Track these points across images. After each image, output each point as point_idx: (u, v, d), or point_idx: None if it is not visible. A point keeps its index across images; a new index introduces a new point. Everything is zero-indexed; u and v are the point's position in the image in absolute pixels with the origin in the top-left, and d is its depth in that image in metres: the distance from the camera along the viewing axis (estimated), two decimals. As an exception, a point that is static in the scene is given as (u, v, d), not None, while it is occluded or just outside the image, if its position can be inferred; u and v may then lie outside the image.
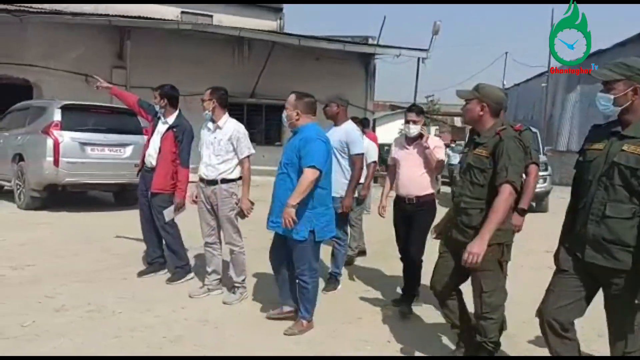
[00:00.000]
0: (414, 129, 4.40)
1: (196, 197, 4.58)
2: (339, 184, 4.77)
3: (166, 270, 5.17)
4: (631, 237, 2.44)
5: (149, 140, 5.01)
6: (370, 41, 16.94)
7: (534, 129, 11.81)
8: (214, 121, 4.45)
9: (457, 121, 30.54)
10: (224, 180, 4.37)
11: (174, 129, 4.88)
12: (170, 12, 19.28)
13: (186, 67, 15.26)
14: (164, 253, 5.18)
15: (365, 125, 9.41)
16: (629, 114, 2.51)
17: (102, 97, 14.64)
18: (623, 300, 2.50)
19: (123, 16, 13.78)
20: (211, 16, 20.30)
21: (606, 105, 2.56)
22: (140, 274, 5.07)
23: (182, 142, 4.86)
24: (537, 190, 10.15)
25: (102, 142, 8.39)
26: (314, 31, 17.88)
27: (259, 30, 14.81)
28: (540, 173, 10.45)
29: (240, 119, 17.17)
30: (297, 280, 3.91)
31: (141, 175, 5.03)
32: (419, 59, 15.01)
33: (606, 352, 2.78)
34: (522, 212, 3.61)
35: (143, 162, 5.05)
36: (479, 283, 3.10)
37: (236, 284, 4.46)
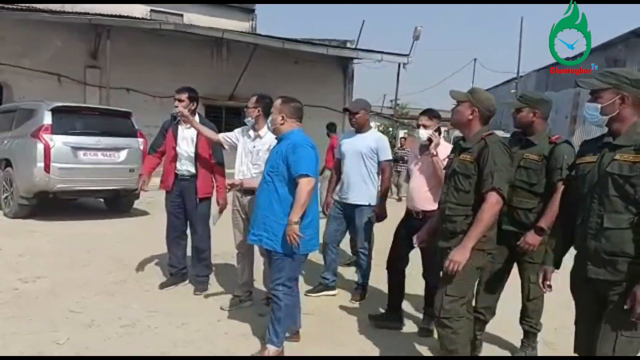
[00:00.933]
0: (424, 134, 4.06)
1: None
2: (368, 192, 4.77)
3: (187, 281, 5.04)
4: (632, 247, 2.35)
5: (173, 149, 4.80)
6: (348, 45, 16.98)
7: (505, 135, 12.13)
8: (254, 129, 4.34)
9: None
10: None
11: None
12: (139, 10, 18.87)
13: (162, 68, 14.97)
14: (186, 264, 5.05)
15: (331, 130, 9.51)
16: (617, 123, 2.46)
17: (74, 96, 14.33)
18: (619, 312, 2.36)
19: (102, 15, 13.37)
20: (181, 15, 19.99)
21: (593, 115, 2.51)
22: (163, 285, 4.92)
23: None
24: None
25: (95, 146, 8.01)
26: (286, 33, 17.85)
27: (241, 32, 14.68)
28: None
29: (218, 122, 16.89)
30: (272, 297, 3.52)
31: (175, 184, 4.81)
32: (399, 64, 15.15)
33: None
34: (540, 232, 3.35)
35: (175, 172, 4.80)
36: (444, 284, 2.99)
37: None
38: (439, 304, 2.97)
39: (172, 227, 4.94)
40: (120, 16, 13.62)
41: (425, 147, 4.09)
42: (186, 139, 4.81)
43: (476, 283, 3.27)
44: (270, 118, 3.74)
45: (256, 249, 4.42)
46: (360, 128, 4.87)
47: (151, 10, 19.61)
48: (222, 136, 4.59)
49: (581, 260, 2.53)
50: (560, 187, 3.25)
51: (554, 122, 20.21)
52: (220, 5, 20.19)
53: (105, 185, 8.24)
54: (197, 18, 18.88)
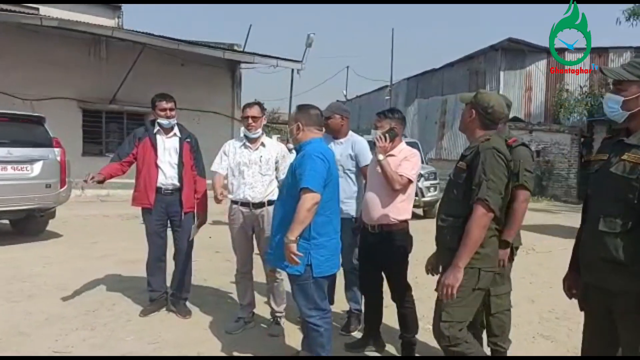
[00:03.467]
0: (373, 134, 3.62)
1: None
2: (351, 205, 4.21)
3: (166, 306, 4.62)
4: (627, 255, 2.13)
5: (154, 162, 4.38)
6: (235, 48, 16.68)
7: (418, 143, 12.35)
8: (255, 139, 4.12)
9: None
10: (270, 202, 4.01)
11: (188, 140, 4.52)
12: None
13: (32, 68, 13.42)
14: (166, 287, 4.65)
15: None
16: (635, 120, 2.22)
17: None
18: (628, 328, 2.17)
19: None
20: (37, 8, 18.09)
21: (613, 108, 2.26)
22: (145, 312, 4.47)
23: (197, 151, 4.58)
24: (428, 198, 11.40)
25: (3, 159, 6.81)
26: (155, 32, 16.80)
27: (130, 30, 13.64)
28: (432, 182, 11.60)
29: (98, 128, 15.77)
30: (307, 325, 3.20)
31: (157, 199, 4.37)
32: (292, 70, 15.27)
33: None
34: (505, 245, 3.04)
35: (157, 187, 4.37)
36: (439, 309, 2.73)
37: (278, 314, 4.21)
38: (437, 332, 2.75)
39: (156, 248, 4.51)
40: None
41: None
42: (169, 150, 4.44)
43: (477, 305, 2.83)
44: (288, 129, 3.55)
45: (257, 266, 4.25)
46: (336, 134, 4.28)
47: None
48: (222, 170, 4.18)
49: (582, 265, 2.38)
50: (520, 194, 3.12)
51: (425, 128, 21.87)
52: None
53: (16, 205, 6.97)
54: (57, 13, 17.16)
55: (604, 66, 2.58)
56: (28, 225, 7.73)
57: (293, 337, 4.05)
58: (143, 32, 13.29)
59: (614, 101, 2.26)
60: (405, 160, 3.59)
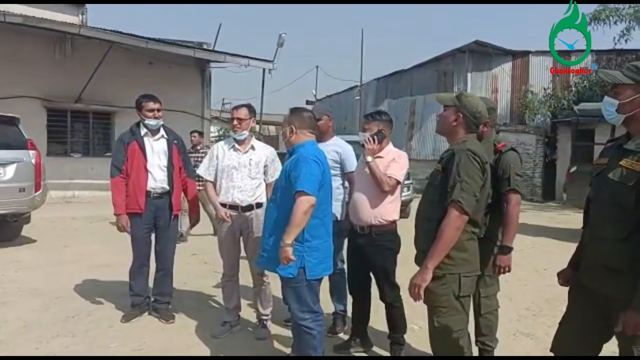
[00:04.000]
0: (361, 137, 3.65)
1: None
2: (333, 205, 4.07)
3: (147, 310, 4.55)
4: (624, 262, 2.13)
5: (144, 166, 4.28)
6: (205, 47, 16.51)
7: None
8: (244, 142, 4.10)
9: (272, 130, 31.29)
10: (259, 205, 4.05)
11: (176, 142, 4.47)
12: None
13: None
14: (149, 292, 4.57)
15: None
16: (633, 124, 2.22)
17: None
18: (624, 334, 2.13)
19: None
20: (-8, 3, 17.48)
21: (610, 111, 2.26)
22: (127, 318, 4.37)
23: (185, 152, 4.57)
24: (402, 198, 11.49)
25: None
26: (119, 30, 16.26)
27: (98, 28, 13.32)
28: (405, 182, 11.72)
29: (63, 127, 15.46)
30: (299, 328, 3.16)
31: (147, 204, 4.28)
32: (264, 69, 15.21)
33: None
34: (507, 250, 3.19)
35: (147, 191, 4.29)
36: (430, 320, 2.70)
37: (264, 317, 4.19)
38: (432, 344, 2.78)
39: (141, 253, 4.41)
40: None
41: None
42: (158, 153, 4.36)
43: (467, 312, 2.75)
44: (281, 132, 3.53)
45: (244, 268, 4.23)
46: (323, 136, 4.13)
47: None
48: (209, 176, 4.16)
49: (582, 267, 2.41)
50: (512, 198, 3.17)
51: (394, 128, 22.05)
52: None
53: None
54: (15, 8, 16.66)
55: (602, 69, 2.55)
56: (1, 230, 7.33)
57: (280, 340, 4.04)
58: (111, 30, 13.00)
59: (610, 104, 2.26)
60: (394, 161, 3.62)
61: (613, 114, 2.25)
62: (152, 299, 4.55)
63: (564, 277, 2.59)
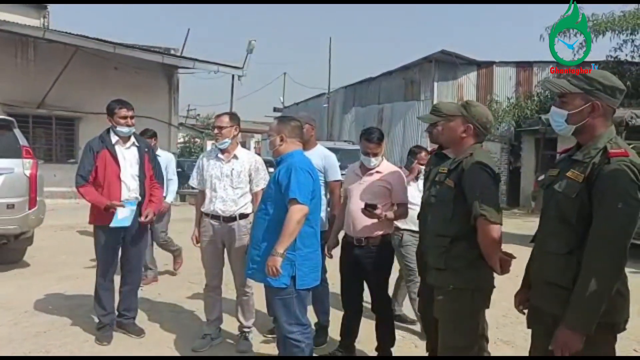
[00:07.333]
0: (375, 162, 3.72)
1: (197, 237, 4.09)
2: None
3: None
4: (565, 277, 2.04)
5: (117, 175, 4.12)
6: (172, 52, 16.31)
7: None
8: (227, 151, 4.02)
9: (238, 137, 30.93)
10: (243, 216, 3.98)
11: (147, 150, 4.35)
12: None
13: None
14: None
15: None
16: (584, 134, 2.11)
17: None
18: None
19: None
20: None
21: (559, 122, 2.14)
22: (107, 339, 4.11)
23: (155, 160, 4.45)
24: None
25: None
26: (85, 33, 15.94)
27: (62, 32, 12.95)
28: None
29: (25, 133, 15.16)
30: (286, 341, 3.10)
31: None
32: (233, 76, 15.09)
33: None
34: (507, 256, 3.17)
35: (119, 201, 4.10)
36: (440, 336, 2.68)
37: (246, 329, 4.11)
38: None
39: (110, 266, 4.22)
40: None
41: (367, 168, 3.77)
42: (130, 161, 4.22)
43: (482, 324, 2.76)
44: (268, 140, 3.48)
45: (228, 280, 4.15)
46: (305, 145, 4.01)
47: None
48: (200, 185, 4.12)
49: (532, 285, 2.29)
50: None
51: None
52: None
53: None
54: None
55: (548, 79, 2.41)
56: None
57: (262, 353, 3.98)
58: (76, 34, 12.69)
59: (559, 115, 2.14)
60: (398, 184, 3.72)
61: (562, 124, 2.13)
62: (117, 314, 4.31)
63: (519, 299, 2.41)
